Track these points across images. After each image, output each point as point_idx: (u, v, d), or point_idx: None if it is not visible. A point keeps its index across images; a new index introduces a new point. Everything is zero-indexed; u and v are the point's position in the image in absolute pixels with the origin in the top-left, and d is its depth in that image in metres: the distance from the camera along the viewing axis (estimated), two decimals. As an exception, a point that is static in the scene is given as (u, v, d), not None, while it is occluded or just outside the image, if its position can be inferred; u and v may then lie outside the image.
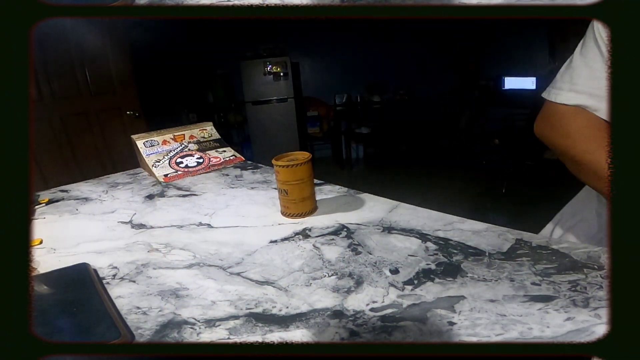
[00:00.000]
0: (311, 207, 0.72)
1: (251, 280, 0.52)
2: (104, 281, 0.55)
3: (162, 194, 0.94)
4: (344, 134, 4.86)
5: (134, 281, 0.54)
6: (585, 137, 0.66)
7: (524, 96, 3.91)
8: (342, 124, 4.99)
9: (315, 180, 0.81)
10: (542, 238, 0.54)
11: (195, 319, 0.44)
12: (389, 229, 0.62)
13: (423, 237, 0.58)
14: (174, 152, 1.15)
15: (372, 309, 0.43)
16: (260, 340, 0.40)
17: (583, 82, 0.66)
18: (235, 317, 0.44)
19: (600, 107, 0.65)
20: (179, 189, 0.97)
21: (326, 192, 0.82)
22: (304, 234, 0.64)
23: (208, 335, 0.41)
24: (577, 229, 0.77)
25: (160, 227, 0.73)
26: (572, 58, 0.69)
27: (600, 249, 0.49)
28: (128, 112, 2.96)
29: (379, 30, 4.93)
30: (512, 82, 4.25)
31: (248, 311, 0.45)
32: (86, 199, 0.95)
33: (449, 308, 0.42)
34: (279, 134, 4.88)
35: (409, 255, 0.54)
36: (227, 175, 1.05)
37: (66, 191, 1.03)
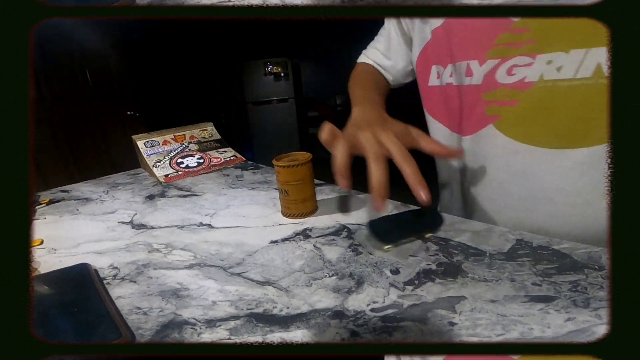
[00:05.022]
0: (312, 208, 0.72)
1: (252, 280, 0.52)
2: (105, 281, 0.55)
3: (162, 194, 0.94)
4: (345, 134, 4.85)
5: (135, 281, 0.54)
6: (353, 77, 0.90)
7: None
8: (343, 124, 4.98)
9: (316, 181, 0.81)
10: (543, 238, 0.54)
11: (195, 319, 0.44)
12: (389, 229, 0.62)
13: (424, 237, 0.58)
14: (175, 153, 1.15)
15: (372, 309, 0.43)
16: (260, 340, 0.40)
17: (369, 49, 0.94)
18: (236, 318, 0.44)
19: (377, 65, 0.91)
20: (180, 189, 0.97)
21: (327, 192, 0.82)
22: (305, 234, 0.64)
23: (209, 336, 0.41)
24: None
25: (161, 228, 0.73)
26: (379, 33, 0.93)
27: (601, 249, 0.49)
28: (128, 113, 2.96)
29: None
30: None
31: (249, 311, 0.45)
32: (87, 200, 0.95)
33: (449, 308, 0.42)
34: (280, 134, 4.88)
35: (409, 255, 0.54)
36: (228, 175, 1.05)
37: (67, 191, 1.03)
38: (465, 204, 0.75)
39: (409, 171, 0.52)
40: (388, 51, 0.88)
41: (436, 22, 0.68)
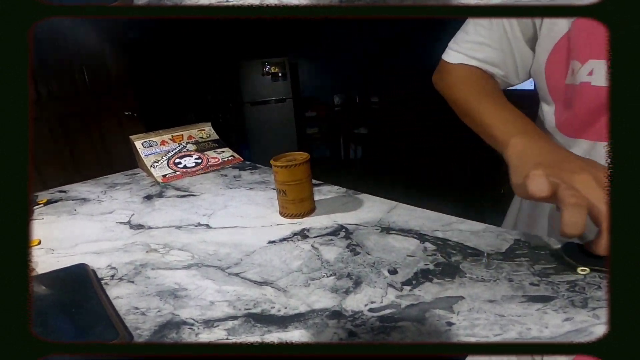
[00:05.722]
0: (310, 208, 0.72)
1: (250, 280, 0.52)
2: (103, 282, 0.55)
3: (160, 195, 0.94)
4: (343, 135, 4.85)
5: (133, 282, 0.54)
6: (464, 86, 0.73)
7: (522, 96, 3.89)
8: (340, 124, 4.98)
9: (314, 181, 0.81)
10: (541, 239, 0.54)
11: (193, 320, 0.44)
12: (387, 230, 0.62)
13: (421, 237, 0.58)
14: (173, 153, 1.15)
15: (370, 310, 0.43)
16: (258, 340, 0.40)
17: (464, 45, 0.73)
18: (234, 318, 0.44)
19: (482, 65, 0.72)
20: (178, 189, 0.97)
21: (325, 192, 0.82)
22: (303, 234, 0.64)
23: (206, 336, 0.41)
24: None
25: (159, 228, 0.73)
26: (466, 23, 0.74)
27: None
28: (126, 113, 2.95)
29: (378, 30, 4.93)
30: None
31: (246, 311, 0.45)
32: (84, 200, 0.95)
33: (447, 308, 0.42)
34: (278, 134, 4.88)
35: (407, 255, 0.54)
36: (226, 175, 1.05)
37: (64, 192, 1.03)
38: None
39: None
40: (502, 46, 0.71)
41: None
